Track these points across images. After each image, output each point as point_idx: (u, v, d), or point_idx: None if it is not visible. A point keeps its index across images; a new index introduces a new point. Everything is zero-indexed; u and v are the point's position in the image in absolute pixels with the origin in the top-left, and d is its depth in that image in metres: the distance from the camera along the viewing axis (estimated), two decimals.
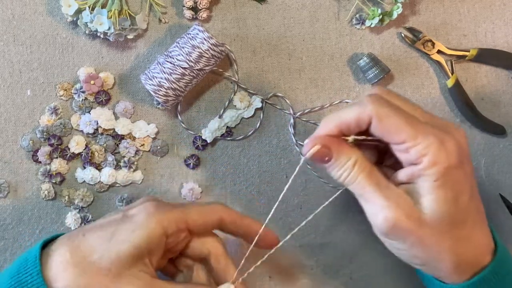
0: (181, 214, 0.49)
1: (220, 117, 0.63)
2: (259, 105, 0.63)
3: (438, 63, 0.64)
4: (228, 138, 0.63)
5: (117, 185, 0.63)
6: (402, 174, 0.47)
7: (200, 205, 0.52)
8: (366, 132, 0.47)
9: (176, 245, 0.50)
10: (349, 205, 0.64)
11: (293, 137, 0.64)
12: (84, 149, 0.62)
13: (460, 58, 0.64)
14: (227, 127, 0.63)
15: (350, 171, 0.46)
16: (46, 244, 0.48)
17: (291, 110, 0.63)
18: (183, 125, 0.63)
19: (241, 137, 0.64)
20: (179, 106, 0.63)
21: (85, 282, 0.45)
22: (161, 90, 0.59)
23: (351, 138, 0.47)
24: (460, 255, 0.46)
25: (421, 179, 0.45)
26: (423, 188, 0.45)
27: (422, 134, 0.44)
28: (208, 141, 0.62)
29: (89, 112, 0.62)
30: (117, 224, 0.48)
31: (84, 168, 0.62)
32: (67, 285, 0.45)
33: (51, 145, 0.62)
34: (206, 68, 0.59)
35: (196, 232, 0.51)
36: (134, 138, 0.63)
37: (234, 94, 0.63)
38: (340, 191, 0.51)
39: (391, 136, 0.45)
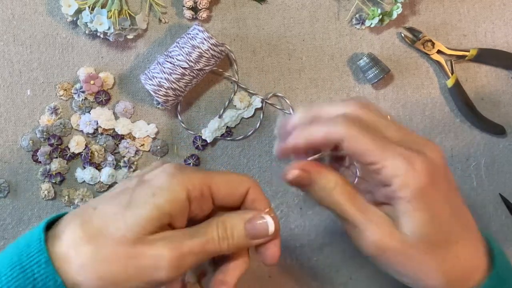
0: (206, 178, 0.42)
1: (220, 117, 0.63)
2: (259, 105, 0.63)
3: (438, 63, 0.64)
4: (228, 138, 0.63)
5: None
6: (379, 195, 0.46)
7: (225, 172, 0.47)
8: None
9: (195, 216, 0.43)
10: None
11: None
12: (84, 149, 0.62)
13: (460, 58, 0.64)
14: (227, 127, 0.63)
15: (330, 194, 0.45)
16: (49, 227, 0.42)
17: (291, 110, 0.63)
18: (183, 125, 0.63)
19: (241, 137, 0.64)
20: (179, 106, 0.63)
21: (104, 257, 0.39)
22: (161, 90, 0.59)
23: (322, 154, 0.47)
24: (449, 275, 0.45)
25: (395, 201, 0.44)
26: (398, 210, 0.44)
27: (391, 156, 0.43)
28: (208, 141, 0.62)
29: (89, 112, 0.62)
30: (132, 191, 0.41)
31: (84, 168, 0.62)
32: (84, 264, 0.39)
33: (51, 145, 0.62)
34: (206, 68, 0.59)
35: (219, 205, 0.44)
36: (134, 138, 0.63)
37: (234, 94, 0.63)
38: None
39: (360, 158, 0.44)
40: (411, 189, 0.43)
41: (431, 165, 0.44)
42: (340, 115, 0.45)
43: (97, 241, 0.40)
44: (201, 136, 0.63)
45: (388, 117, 0.47)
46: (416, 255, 0.44)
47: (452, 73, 0.64)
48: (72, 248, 0.40)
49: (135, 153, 0.63)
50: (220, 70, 0.63)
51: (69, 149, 0.62)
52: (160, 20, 0.63)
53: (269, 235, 0.44)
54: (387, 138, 0.44)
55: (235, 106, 0.63)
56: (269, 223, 0.43)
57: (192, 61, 0.58)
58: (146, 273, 0.40)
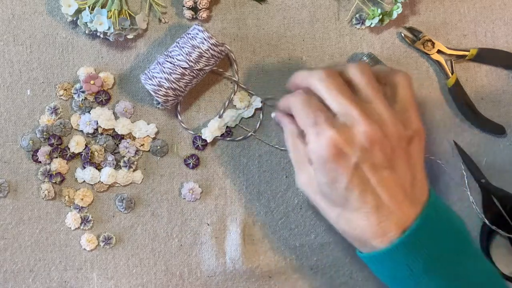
0: None
1: (220, 117, 0.63)
2: (259, 105, 0.63)
3: (438, 63, 0.64)
4: (228, 139, 0.63)
5: (117, 185, 0.63)
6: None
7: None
8: None
9: None
10: None
11: None
12: (84, 149, 0.62)
13: (460, 58, 0.64)
14: (227, 127, 0.63)
15: (290, 134, 0.55)
16: None
17: None
18: (183, 125, 0.63)
19: (241, 137, 0.64)
20: (179, 106, 0.63)
21: None
22: (161, 90, 0.59)
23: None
24: (350, 232, 0.51)
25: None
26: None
27: (317, 124, 0.50)
28: (208, 141, 0.62)
29: (89, 112, 0.62)
30: None
31: (84, 168, 0.62)
32: None
33: (51, 145, 0.62)
34: (206, 68, 0.59)
35: None
36: (134, 138, 0.63)
37: (234, 94, 0.63)
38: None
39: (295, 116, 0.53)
40: (314, 155, 0.50)
41: (337, 142, 0.49)
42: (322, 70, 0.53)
43: None
44: (201, 136, 0.63)
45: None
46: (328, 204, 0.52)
47: (452, 73, 0.64)
48: None
49: (135, 153, 0.63)
50: (220, 70, 0.63)
51: (69, 149, 0.62)
52: (160, 20, 0.63)
53: None
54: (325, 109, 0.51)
55: (235, 106, 0.63)
56: None
57: (192, 61, 0.58)
58: None
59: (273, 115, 0.58)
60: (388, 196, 0.49)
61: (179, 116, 0.63)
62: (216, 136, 0.63)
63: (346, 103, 0.49)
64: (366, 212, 0.49)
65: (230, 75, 0.64)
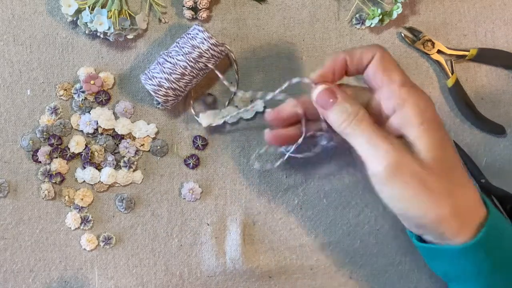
0: None
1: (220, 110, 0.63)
2: (261, 109, 0.63)
3: (438, 63, 0.64)
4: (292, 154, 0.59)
5: (117, 185, 0.63)
6: (389, 127, 0.50)
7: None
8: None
9: None
10: (349, 205, 0.64)
11: None
12: (84, 149, 0.62)
13: (460, 58, 0.64)
14: (225, 121, 0.63)
15: (353, 115, 0.49)
16: None
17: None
18: (194, 115, 0.63)
19: (301, 155, 0.60)
20: (191, 101, 0.62)
21: None
22: (161, 90, 0.59)
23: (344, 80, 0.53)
24: (459, 200, 0.48)
25: (407, 127, 0.48)
26: (411, 135, 0.48)
27: (409, 82, 0.50)
28: (203, 126, 0.62)
29: (89, 112, 0.62)
30: None
31: (84, 168, 0.62)
32: None
33: (51, 145, 0.62)
34: (206, 68, 0.59)
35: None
36: (134, 138, 0.63)
37: (234, 94, 0.63)
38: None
39: (386, 75, 0.50)
40: (423, 112, 0.48)
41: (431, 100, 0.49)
42: (373, 44, 0.53)
43: None
44: (201, 136, 0.63)
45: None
46: (432, 177, 0.47)
47: (452, 73, 0.64)
48: None
49: (135, 153, 0.63)
50: (220, 76, 0.63)
51: (69, 149, 0.62)
52: (160, 20, 0.63)
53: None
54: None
55: (236, 106, 0.63)
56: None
57: (192, 61, 0.58)
58: None
59: (319, 88, 0.51)
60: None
61: (192, 110, 0.62)
62: (211, 124, 0.62)
63: None
64: (469, 182, 0.49)
65: (229, 83, 0.63)
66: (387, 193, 0.48)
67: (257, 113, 0.63)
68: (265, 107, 0.63)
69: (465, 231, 0.48)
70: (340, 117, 0.49)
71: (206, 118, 0.62)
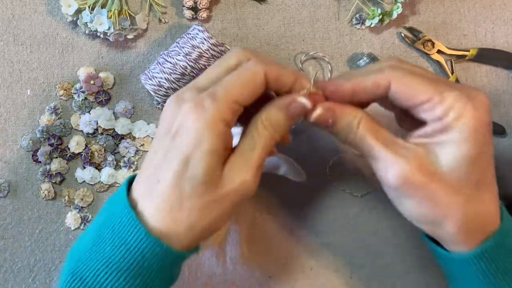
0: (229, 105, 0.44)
1: None
2: None
3: (438, 63, 0.64)
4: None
5: (117, 185, 0.63)
6: (421, 132, 0.46)
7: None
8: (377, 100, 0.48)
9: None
10: (350, 205, 0.64)
11: None
12: (84, 149, 0.62)
13: (460, 58, 0.64)
14: None
15: (355, 130, 0.46)
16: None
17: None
18: None
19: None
20: None
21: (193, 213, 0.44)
22: (161, 90, 0.59)
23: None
24: (467, 215, 0.45)
25: (445, 134, 0.44)
26: (445, 142, 0.44)
27: (447, 90, 0.44)
28: None
29: (89, 112, 0.62)
30: (167, 151, 0.44)
31: (84, 168, 0.62)
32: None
33: (51, 145, 0.62)
34: (206, 68, 0.59)
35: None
36: (134, 138, 0.63)
37: None
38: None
39: (414, 96, 0.44)
40: (469, 122, 0.43)
41: (487, 106, 0.44)
42: (383, 65, 0.46)
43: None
44: None
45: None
46: (442, 190, 0.44)
47: (452, 73, 0.64)
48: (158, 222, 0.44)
49: (135, 153, 0.63)
50: None
51: (69, 149, 0.62)
52: (160, 20, 0.63)
53: (308, 109, 0.46)
54: (436, 78, 0.45)
55: None
56: (305, 104, 0.45)
57: (192, 61, 0.58)
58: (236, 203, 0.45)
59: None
60: None
61: None
62: None
63: (445, 79, 0.48)
64: (494, 190, 0.47)
65: None
66: (397, 202, 0.47)
67: None
68: None
69: (469, 243, 0.47)
70: (343, 135, 0.47)
71: None
